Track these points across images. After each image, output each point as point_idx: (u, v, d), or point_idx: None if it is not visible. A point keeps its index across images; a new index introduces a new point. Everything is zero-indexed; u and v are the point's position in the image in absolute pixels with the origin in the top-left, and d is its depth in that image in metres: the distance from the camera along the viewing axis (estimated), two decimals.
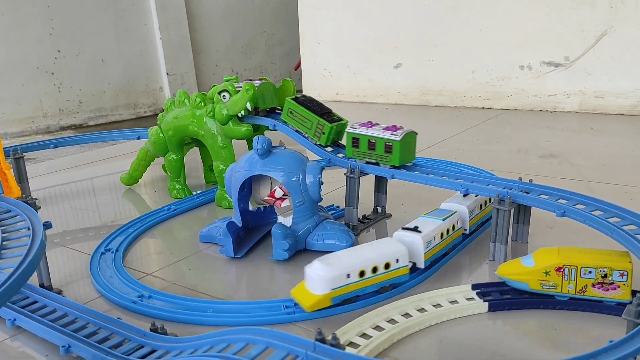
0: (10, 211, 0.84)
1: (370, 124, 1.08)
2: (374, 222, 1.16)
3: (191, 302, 0.85)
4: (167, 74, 3.35)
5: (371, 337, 0.73)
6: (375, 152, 1.06)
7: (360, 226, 1.12)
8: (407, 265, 0.85)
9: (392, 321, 0.77)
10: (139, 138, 1.51)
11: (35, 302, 0.84)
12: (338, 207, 1.22)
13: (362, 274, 0.81)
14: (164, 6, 3.21)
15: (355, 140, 1.08)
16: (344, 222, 1.09)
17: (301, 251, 1.02)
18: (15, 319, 0.80)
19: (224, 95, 1.22)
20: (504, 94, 2.31)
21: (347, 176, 1.09)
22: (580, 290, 0.77)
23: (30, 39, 2.69)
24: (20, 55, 2.64)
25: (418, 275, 0.90)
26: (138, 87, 3.21)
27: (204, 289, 0.92)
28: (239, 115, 1.22)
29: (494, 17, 2.24)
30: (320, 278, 0.78)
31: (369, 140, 1.06)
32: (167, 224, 1.22)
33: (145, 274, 0.98)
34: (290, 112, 1.17)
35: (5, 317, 0.81)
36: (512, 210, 0.94)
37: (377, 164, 1.07)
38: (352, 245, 1.00)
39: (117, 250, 1.05)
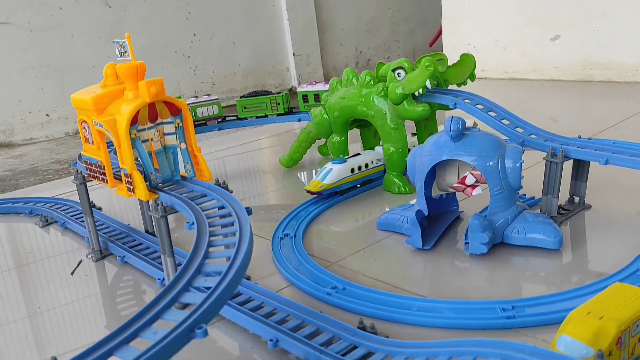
0: (206, 195, 0.82)
1: (314, 83, 1.45)
2: (573, 213, 1.02)
3: (391, 298, 0.78)
4: (294, 54, 3.34)
5: None
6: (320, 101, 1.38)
7: (558, 218, 0.99)
8: None
9: None
10: (299, 120, 1.47)
11: None
12: (524, 195, 1.09)
13: None
14: None
15: (304, 97, 1.44)
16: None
17: (496, 245, 0.92)
18: None
19: (398, 73, 1.13)
20: None
21: (547, 160, 0.96)
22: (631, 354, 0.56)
23: (168, 24, 2.79)
24: (160, 40, 2.75)
25: None
26: (266, 68, 3.24)
27: (395, 282, 0.85)
28: (415, 94, 1.13)
29: None
30: None
31: (314, 94, 1.42)
32: (337, 209, 1.17)
33: (329, 262, 0.94)
34: (245, 107, 1.45)
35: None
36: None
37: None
38: (560, 241, 0.88)
39: (295, 236, 1.01)
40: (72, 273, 0.98)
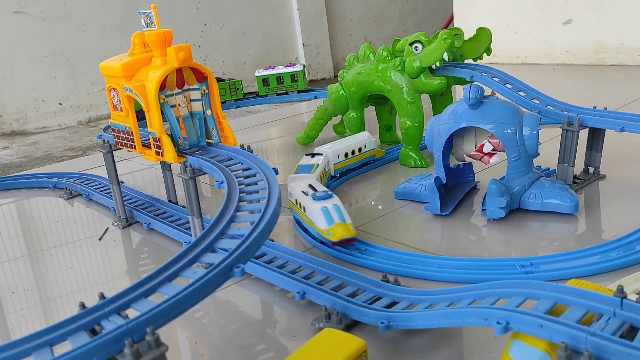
0: (232, 159, 0.85)
1: (271, 67, 1.51)
2: (588, 183, 1.04)
3: (412, 256, 0.81)
4: (303, 44, 3.36)
5: None
6: (283, 84, 1.48)
7: (573, 186, 1.01)
8: None
9: None
10: (315, 97, 1.49)
11: None
12: (539, 166, 1.11)
13: None
14: None
15: (265, 80, 1.48)
16: None
17: (513, 210, 0.94)
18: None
19: (416, 47, 1.15)
20: None
21: (563, 129, 0.98)
22: None
23: (179, 14, 2.81)
24: (172, 29, 2.77)
25: None
26: (275, 58, 3.26)
27: (415, 244, 0.88)
28: (432, 67, 1.15)
29: None
30: None
31: (276, 77, 1.48)
32: (355, 181, 1.20)
33: None
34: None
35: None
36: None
37: (286, 93, 1.50)
38: (576, 206, 0.90)
39: None
40: (100, 239, 1.01)
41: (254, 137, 1.71)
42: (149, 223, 1.02)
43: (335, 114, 1.40)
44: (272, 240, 0.91)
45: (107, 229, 1.05)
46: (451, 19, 2.75)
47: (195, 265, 0.57)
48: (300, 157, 1.15)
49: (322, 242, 0.87)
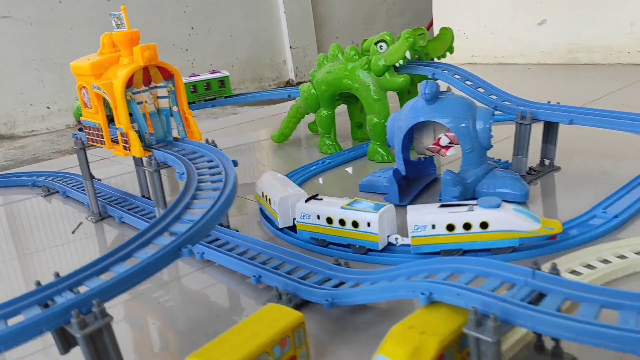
0: (196, 152, 0.89)
1: (195, 75, 1.50)
2: (542, 174, 1.08)
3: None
4: (291, 47, 3.40)
5: None
6: (211, 90, 1.48)
7: (527, 177, 1.05)
8: None
9: (589, 267, 0.71)
10: (289, 96, 1.54)
11: (218, 238, 0.89)
12: (499, 159, 1.16)
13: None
14: None
15: (193, 87, 1.47)
16: None
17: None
18: (203, 253, 0.84)
19: (380, 46, 1.20)
20: None
21: (517, 123, 1.03)
22: None
23: (167, 18, 2.84)
24: (158, 34, 2.80)
25: (608, 222, 0.83)
26: (263, 61, 3.30)
27: None
28: (396, 65, 1.19)
29: None
30: None
31: (204, 83, 1.48)
32: (324, 176, 1.24)
33: None
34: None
35: (194, 251, 0.85)
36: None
37: (214, 98, 1.50)
38: (527, 195, 0.95)
39: None
40: (73, 232, 1.05)
41: (242, 136, 1.75)
42: (121, 217, 1.05)
43: (307, 112, 1.45)
44: (237, 231, 0.95)
45: (81, 223, 1.09)
46: (432, 23, 2.80)
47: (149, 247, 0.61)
48: (279, 154, 1.18)
49: (285, 229, 0.92)
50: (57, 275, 0.55)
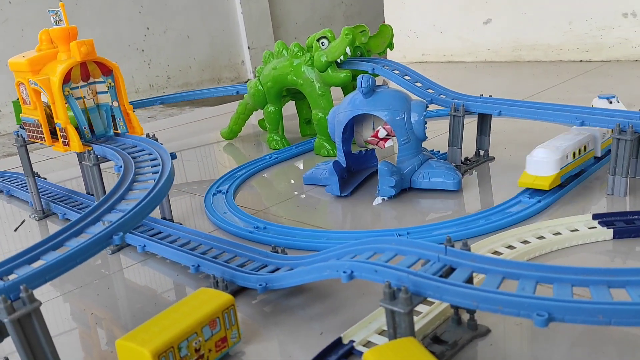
0: (136, 146, 0.90)
1: None
2: (477, 164, 1.14)
3: (305, 232, 0.88)
4: (249, 47, 3.40)
5: None
6: None
7: (462, 167, 1.10)
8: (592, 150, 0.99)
9: (510, 247, 0.76)
10: (237, 93, 1.55)
11: (160, 232, 0.90)
12: (438, 151, 1.21)
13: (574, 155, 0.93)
14: None
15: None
16: None
17: (406, 190, 1.02)
18: (145, 245, 0.85)
19: (322, 42, 1.23)
20: (605, 45, 2.17)
21: (450, 115, 1.07)
22: None
23: (122, 18, 2.81)
24: (113, 34, 2.77)
25: (530, 207, 0.88)
26: (221, 62, 3.29)
27: (314, 222, 0.95)
28: (338, 61, 1.23)
29: None
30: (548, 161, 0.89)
31: None
32: (270, 171, 1.26)
33: (256, 210, 1.02)
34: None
35: (135, 244, 0.87)
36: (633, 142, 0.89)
37: None
38: (459, 183, 0.99)
39: (227, 192, 1.10)
40: (15, 230, 1.04)
41: (192, 133, 1.76)
42: (64, 213, 1.05)
43: (255, 108, 1.47)
44: (181, 224, 0.97)
45: (24, 220, 1.08)
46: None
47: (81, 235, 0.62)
48: (227, 150, 1.19)
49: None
50: None
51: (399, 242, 0.60)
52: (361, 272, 0.56)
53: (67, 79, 0.89)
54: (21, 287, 0.51)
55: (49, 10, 0.95)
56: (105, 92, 0.94)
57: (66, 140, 0.91)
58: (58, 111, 0.89)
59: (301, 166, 1.28)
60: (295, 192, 1.10)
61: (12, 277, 0.55)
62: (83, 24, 2.67)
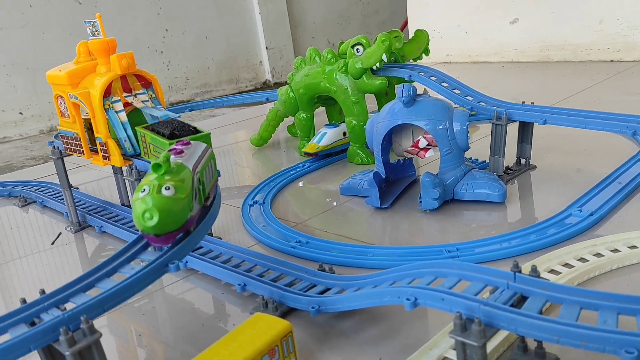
0: None
1: None
2: (519, 173, 1.11)
3: (350, 247, 0.86)
4: (267, 48, 3.39)
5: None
6: None
7: (505, 177, 1.07)
8: None
9: (566, 265, 0.73)
10: (267, 100, 1.53)
11: (201, 246, 0.88)
12: (477, 159, 1.18)
13: None
14: None
15: None
16: None
17: (448, 201, 1.00)
18: (187, 262, 0.84)
19: (357, 49, 1.21)
20: (637, 44, 2.12)
21: (493, 124, 1.05)
22: None
23: (140, 20, 2.81)
24: (132, 37, 2.78)
25: (583, 221, 0.85)
26: (239, 62, 3.28)
27: (355, 236, 0.93)
28: (373, 68, 1.20)
29: None
30: None
31: None
32: (304, 180, 1.24)
33: (295, 223, 1.01)
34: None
35: (181, 267, 0.85)
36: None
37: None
38: (504, 195, 0.97)
39: (263, 203, 1.08)
40: (52, 243, 1.04)
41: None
42: (101, 226, 1.05)
43: (286, 115, 1.45)
44: (220, 238, 0.95)
45: (60, 233, 1.08)
46: (406, 23, 2.83)
47: (134, 262, 0.61)
48: (258, 158, 1.17)
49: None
50: (42, 292, 0.55)
51: (461, 267, 0.58)
52: (426, 299, 0.54)
53: (107, 93, 0.88)
54: (81, 318, 0.49)
55: (85, 22, 0.94)
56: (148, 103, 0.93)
57: (106, 155, 0.89)
58: (99, 125, 0.88)
59: (336, 175, 1.26)
60: (334, 203, 1.08)
61: (68, 305, 0.54)
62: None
